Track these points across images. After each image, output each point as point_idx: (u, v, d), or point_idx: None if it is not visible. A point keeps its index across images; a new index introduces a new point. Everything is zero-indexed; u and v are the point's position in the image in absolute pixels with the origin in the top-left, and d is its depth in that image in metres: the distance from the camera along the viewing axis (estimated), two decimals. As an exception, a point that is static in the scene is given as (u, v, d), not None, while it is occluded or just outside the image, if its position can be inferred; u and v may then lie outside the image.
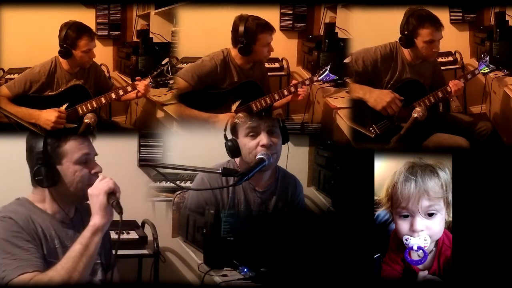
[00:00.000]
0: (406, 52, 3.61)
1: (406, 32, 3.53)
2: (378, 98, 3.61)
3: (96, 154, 2.24)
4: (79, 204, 2.26)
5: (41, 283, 1.97)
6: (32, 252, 2.05)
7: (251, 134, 2.75)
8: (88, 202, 2.13)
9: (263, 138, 2.73)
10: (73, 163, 2.16)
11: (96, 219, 2.07)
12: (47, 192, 2.18)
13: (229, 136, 2.82)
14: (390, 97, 3.59)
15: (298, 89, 3.71)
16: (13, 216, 2.09)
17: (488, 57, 3.67)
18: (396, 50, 3.62)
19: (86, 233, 2.05)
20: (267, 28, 3.62)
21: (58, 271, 1.98)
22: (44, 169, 2.14)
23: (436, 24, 3.52)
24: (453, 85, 3.59)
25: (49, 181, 2.15)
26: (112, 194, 2.10)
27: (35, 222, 2.12)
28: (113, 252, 2.36)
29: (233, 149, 2.79)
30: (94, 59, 3.69)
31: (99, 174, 2.19)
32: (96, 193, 2.08)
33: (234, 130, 2.83)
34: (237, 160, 2.86)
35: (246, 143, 2.76)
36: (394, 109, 3.60)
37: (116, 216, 2.14)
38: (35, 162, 2.15)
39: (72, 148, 2.17)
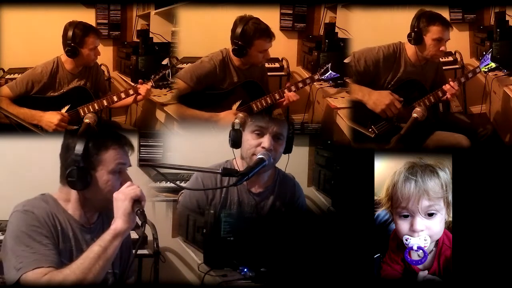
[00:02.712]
0: (410, 53, 3.60)
1: (416, 29, 3.54)
2: (377, 100, 3.61)
3: (130, 165, 2.23)
4: (103, 211, 2.24)
5: (55, 281, 1.97)
6: (50, 248, 2.06)
7: (256, 132, 2.75)
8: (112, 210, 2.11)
9: (266, 141, 2.72)
10: (108, 172, 2.15)
11: (118, 223, 2.06)
12: (74, 194, 2.18)
13: (237, 127, 2.82)
14: (389, 99, 3.59)
15: (285, 94, 3.70)
16: (36, 210, 2.10)
17: (490, 54, 3.67)
18: (399, 51, 3.61)
19: (106, 236, 2.04)
20: (266, 34, 3.58)
21: (73, 270, 1.98)
22: (79, 172, 2.12)
23: (446, 24, 3.54)
24: (448, 89, 3.59)
25: (81, 185, 2.14)
26: (138, 202, 2.08)
27: (56, 220, 2.13)
28: (132, 262, 2.36)
29: (235, 139, 2.79)
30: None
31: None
32: (122, 198, 2.06)
33: (243, 123, 2.83)
34: (235, 161, 2.85)
35: (249, 139, 2.76)
36: (393, 111, 3.60)
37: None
38: (70, 163, 2.13)
39: (110, 158, 2.16)
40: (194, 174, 2.91)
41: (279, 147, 2.76)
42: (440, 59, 3.77)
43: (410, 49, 3.61)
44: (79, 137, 2.16)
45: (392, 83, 3.63)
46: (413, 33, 3.55)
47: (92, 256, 2.00)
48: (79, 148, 2.13)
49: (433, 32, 3.53)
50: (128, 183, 2.12)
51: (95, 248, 2.02)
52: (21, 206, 2.12)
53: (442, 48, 3.55)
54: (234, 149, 2.84)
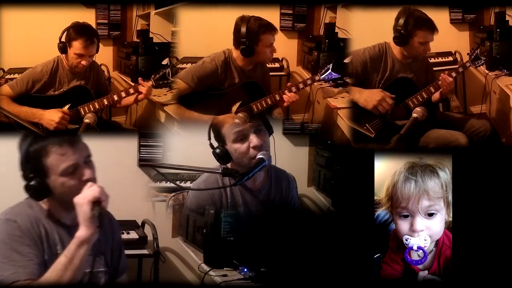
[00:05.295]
0: (396, 51, 3.63)
1: (402, 31, 3.54)
2: (368, 97, 3.63)
3: (88, 156, 2.13)
4: None
5: None
6: (31, 258, 2.02)
7: (240, 138, 2.71)
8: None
9: (253, 140, 2.70)
10: (59, 175, 2.07)
11: (81, 231, 1.99)
12: (47, 200, 2.13)
13: (215, 144, 2.77)
14: (380, 96, 3.61)
15: (283, 96, 3.70)
16: (18, 219, 2.06)
17: (478, 50, 3.68)
18: (385, 50, 3.64)
19: (71, 245, 1.99)
20: (269, 28, 3.61)
21: (43, 284, 1.95)
22: (32, 186, 2.07)
23: (432, 28, 3.55)
24: (442, 80, 3.59)
25: (40, 196, 2.09)
26: (97, 204, 2.00)
27: (40, 226, 2.09)
28: (122, 259, 2.33)
29: (223, 155, 2.73)
30: (94, 60, 3.69)
31: (91, 180, 2.08)
32: (80, 203, 2.00)
33: (219, 137, 2.78)
34: (229, 165, 2.83)
35: (237, 148, 2.72)
36: (385, 107, 3.62)
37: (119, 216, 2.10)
38: (22, 177, 2.09)
39: (55, 161, 2.06)
40: (195, 184, 2.89)
41: (265, 137, 2.75)
42: (439, 59, 3.79)
43: (395, 48, 3.64)
44: (23, 145, 2.10)
45: (383, 82, 3.64)
46: (399, 35, 3.56)
47: (59, 268, 1.96)
48: (19, 161, 2.08)
49: (420, 36, 3.55)
50: (89, 184, 2.04)
51: (61, 259, 1.98)
52: (4, 214, 2.08)
53: (426, 49, 3.59)
54: None
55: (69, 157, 2.08)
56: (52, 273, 1.96)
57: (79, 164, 2.09)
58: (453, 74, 3.64)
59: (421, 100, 3.62)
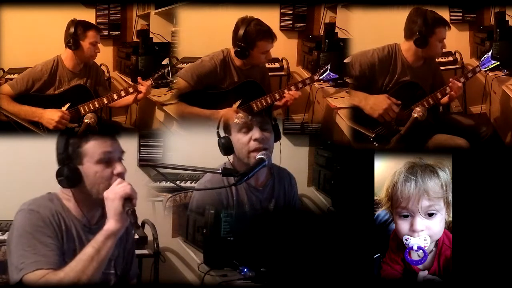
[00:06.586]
0: (406, 54, 3.57)
1: (423, 34, 3.48)
2: (374, 105, 3.57)
3: (123, 152, 2.19)
4: (102, 206, 2.15)
5: (51, 283, 1.98)
6: (52, 248, 2.05)
7: (244, 130, 2.76)
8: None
9: (255, 133, 2.73)
10: (94, 163, 2.12)
11: (110, 224, 2.04)
12: (72, 192, 2.16)
13: (222, 134, 2.82)
14: (387, 104, 3.55)
15: (285, 94, 3.69)
16: (41, 210, 2.09)
17: (491, 53, 3.65)
18: (395, 52, 3.57)
19: (99, 237, 2.03)
20: (268, 35, 3.58)
21: (67, 273, 1.98)
22: (64, 170, 2.11)
23: (447, 23, 3.53)
24: (452, 85, 3.55)
25: (69, 183, 2.12)
26: (128, 200, 2.05)
27: (61, 219, 2.12)
28: (135, 263, 2.36)
29: (226, 146, 2.77)
30: (94, 60, 3.70)
31: (122, 175, 2.13)
32: (112, 197, 2.04)
33: (227, 127, 2.83)
34: (231, 160, 2.85)
35: (239, 138, 2.76)
36: (391, 115, 3.56)
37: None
38: (58, 163, 2.14)
39: (93, 147, 2.12)
40: (201, 185, 2.89)
41: (269, 135, 2.77)
42: (440, 59, 3.78)
43: (406, 50, 3.57)
44: (64, 137, 2.15)
45: (390, 85, 3.59)
46: (420, 38, 3.48)
47: (85, 258, 1.99)
48: (59, 146, 2.13)
49: (438, 34, 3.49)
50: (118, 180, 2.09)
51: (88, 250, 2.01)
52: (27, 205, 2.11)
53: (443, 47, 3.55)
54: None
55: (107, 145, 2.13)
56: (78, 263, 1.99)
57: (114, 156, 2.15)
58: (462, 80, 3.60)
59: (427, 106, 3.55)
